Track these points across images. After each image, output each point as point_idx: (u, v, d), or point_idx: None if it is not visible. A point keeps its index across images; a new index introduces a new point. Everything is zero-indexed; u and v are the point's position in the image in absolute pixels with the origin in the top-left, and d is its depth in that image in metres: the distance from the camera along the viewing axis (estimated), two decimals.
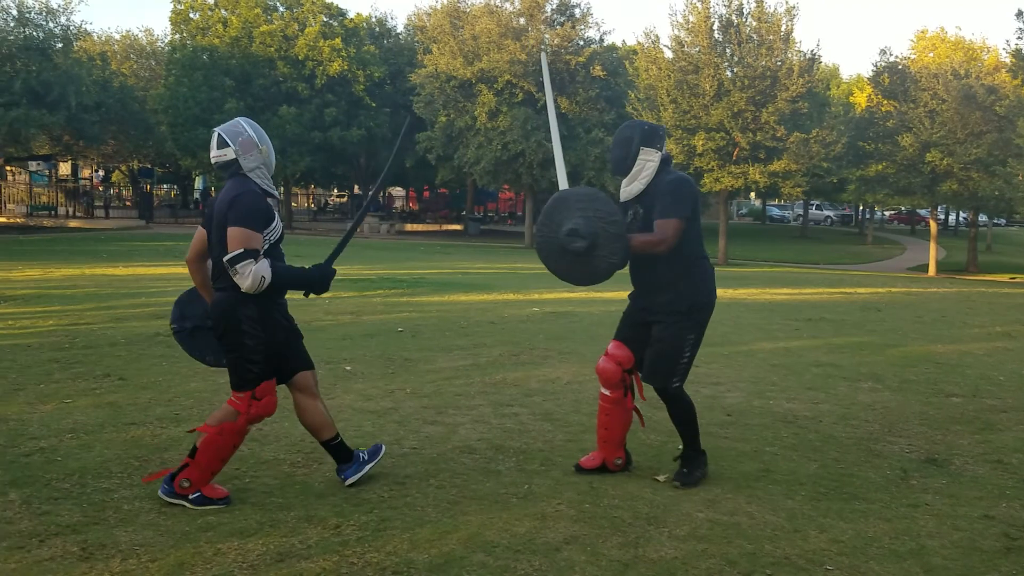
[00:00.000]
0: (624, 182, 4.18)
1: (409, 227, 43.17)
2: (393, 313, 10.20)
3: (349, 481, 4.06)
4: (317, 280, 3.94)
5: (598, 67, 29.26)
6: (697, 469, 4.26)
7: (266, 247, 3.73)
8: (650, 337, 4.18)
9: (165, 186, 55.07)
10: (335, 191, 57.65)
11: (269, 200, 3.80)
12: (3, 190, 40.11)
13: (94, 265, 16.05)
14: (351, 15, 37.96)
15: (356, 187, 50.91)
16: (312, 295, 4.05)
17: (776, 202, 65.35)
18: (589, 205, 4.00)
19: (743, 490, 4.20)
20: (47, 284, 12.39)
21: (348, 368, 6.82)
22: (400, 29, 42.68)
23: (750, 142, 25.40)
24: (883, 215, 62.14)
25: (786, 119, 25.69)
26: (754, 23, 25.79)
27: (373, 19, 41.26)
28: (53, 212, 38.13)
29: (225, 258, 3.63)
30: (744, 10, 26.15)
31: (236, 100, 33.34)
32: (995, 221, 48.24)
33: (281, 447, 4.75)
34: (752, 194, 55.08)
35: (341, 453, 4.12)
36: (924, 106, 27.51)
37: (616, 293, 13.77)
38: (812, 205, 54.59)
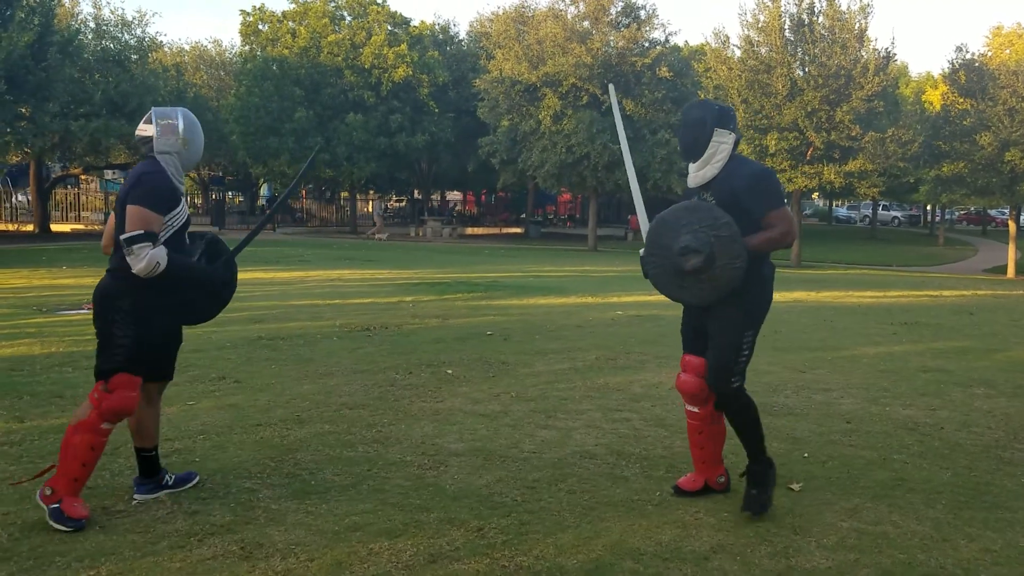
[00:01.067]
0: (695, 166, 3.86)
1: (470, 230, 43.38)
2: (478, 316, 10.27)
3: (137, 498, 3.87)
4: (206, 280, 3.84)
5: (664, 68, 29.05)
6: (769, 487, 3.87)
7: (167, 233, 3.65)
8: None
9: (230, 193, 56.31)
10: (393, 196, 58.21)
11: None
12: (80, 198, 41.41)
13: None
14: (415, 23, 38.38)
15: (416, 192, 51.46)
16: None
17: (840, 203, 64.06)
18: (692, 218, 3.74)
19: (882, 499, 4.12)
20: None
21: (449, 371, 6.89)
22: (463, 36, 43.03)
23: (824, 141, 24.95)
24: (952, 215, 60.43)
25: (861, 118, 25.15)
26: (827, 22, 25.33)
27: (436, 26, 41.66)
28: None
29: (122, 236, 3.53)
30: (816, 8, 25.72)
31: (305, 109, 33.95)
32: None
33: (405, 449, 4.81)
34: (815, 195, 54.03)
35: (150, 467, 3.94)
36: (1003, 104, 26.66)
37: None
38: (879, 206, 53.34)
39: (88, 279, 13.99)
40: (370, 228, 37.25)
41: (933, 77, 50.69)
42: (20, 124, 19.44)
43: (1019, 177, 26.61)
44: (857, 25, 25.31)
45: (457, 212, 51.70)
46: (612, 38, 29.80)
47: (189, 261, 3.76)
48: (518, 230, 43.22)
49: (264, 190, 52.04)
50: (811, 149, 25.66)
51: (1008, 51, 31.27)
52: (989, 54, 30.65)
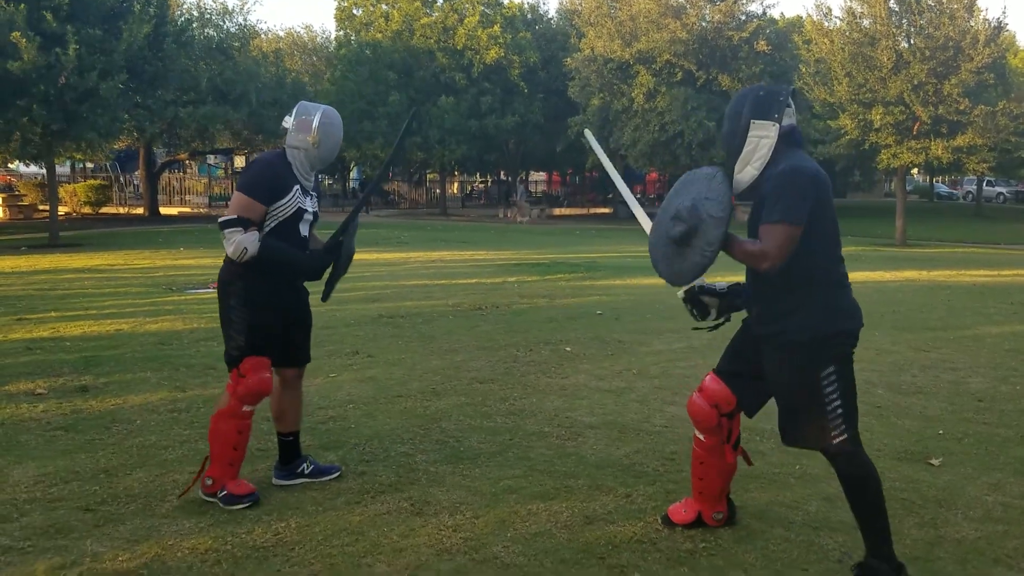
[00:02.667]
0: (736, 167, 3.19)
1: (558, 211, 43.43)
2: (584, 296, 10.42)
3: (277, 482, 3.94)
4: (308, 268, 3.78)
5: (762, 42, 28.44)
6: None
7: (272, 224, 3.65)
8: (757, 374, 3.28)
9: (324, 177, 57.82)
10: (477, 177, 58.62)
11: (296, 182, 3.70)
12: (184, 183, 43.17)
13: None
14: (506, 2, 38.47)
15: (502, 173, 51.79)
16: (322, 297, 3.94)
17: (941, 179, 61.47)
18: (705, 185, 3.15)
19: (1022, 476, 4.14)
20: None
21: (568, 349, 7.08)
22: (552, 14, 42.94)
23: (932, 116, 24.05)
24: None
25: (970, 91, 24.15)
26: None
27: (526, 5, 41.66)
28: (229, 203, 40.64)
29: (220, 219, 3.60)
30: None
31: (399, 92, 34.53)
32: None
33: (540, 421, 5.03)
34: (914, 170, 52.03)
35: (289, 452, 3.99)
36: None
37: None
38: (984, 181, 50.99)
39: (207, 259, 14.73)
40: (511, 211, 37.11)
41: None
42: (138, 111, 20.45)
43: None
44: None
45: (534, 194, 51.67)
46: (708, 12, 29.31)
47: (285, 249, 3.68)
48: (606, 210, 43.02)
49: (354, 173, 53.24)
50: (917, 124, 24.77)
51: None
52: None
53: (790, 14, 43.48)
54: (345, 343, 7.21)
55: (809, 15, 27.84)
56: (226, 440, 3.69)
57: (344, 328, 7.92)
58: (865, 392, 5.74)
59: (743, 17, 29.91)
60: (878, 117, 24.55)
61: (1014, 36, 52.50)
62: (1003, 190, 57.58)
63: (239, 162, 50.33)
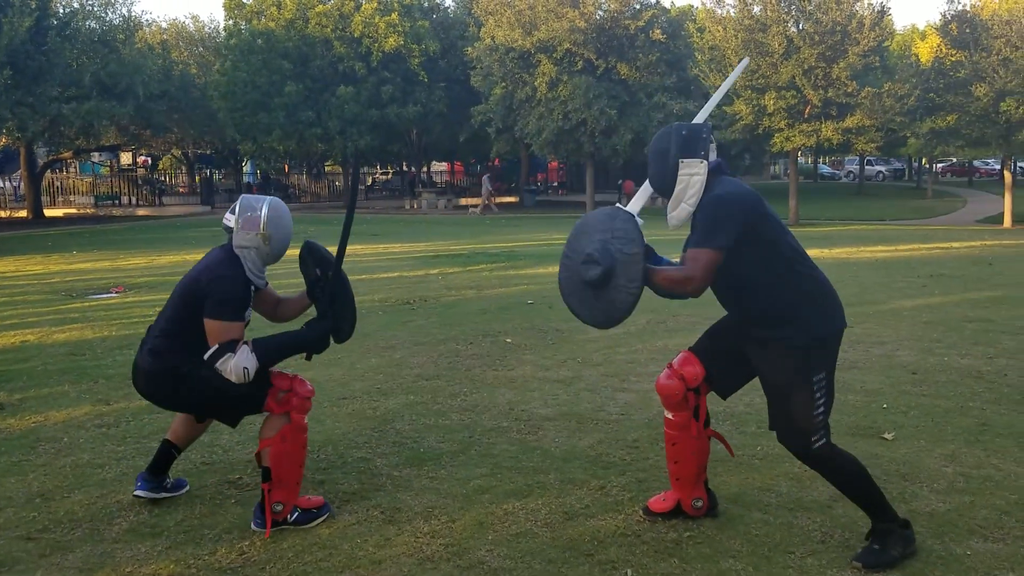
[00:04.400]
0: (669, 207, 3.19)
1: (464, 201, 43.26)
2: (511, 286, 10.35)
3: (139, 495, 3.69)
4: (314, 341, 3.62)
5: (658, 31, 28.92)
6: (893, 546, 3.10)
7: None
8: (735, 359, 3.32)
9: (210, 170, 55.88)
10: (377, 168, 57.78)
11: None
12: (67, 183, 40.98)
13: (190, 252, 16.39)
14: None
15: (404, 164, 51.22)
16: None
17: (823, 160, 64.18)
18: (608, 226, 3.18)
19: (974, 445, 4.28)
20: (160, 271, 12.73)
21: (508, 340, 6.99)
22: (449, 3, 42.59)
23: (822, 99, 24.98)
24: (935, 168, 60.79)
25: (857, 74, 25.19)
26: None
27: None
28: (117, 202, 38.87)
29: (205, 356, 3.36)
30: None
31: (295, 83, 33.63)
32: None
33: (496, 415, 4.92)
34: (800, 153, 54.12)
35: (166, 465, 3.75)
36: (997, 54, 26.74)
37: None
38: (864, 161, 53.51)
39: (103, 263, 13.99)
40: (477, 205, 36.26)
41: (919, 30, 50.77)
42: (21, 109, 19.18)
43: (1015, 127, 26.76)
44: None
45: (438, 184, 51.36)
46: (604, 1, 29.60)
47: (279, 341, 3.53)
48: (513, 199, 43.11)
49: (248, 167, 51.68)
50: (808, 107, 25.70)
51: (997, 1, 31.24)
52: (980, 4, 30.65)
53: (680, 2, 44.37)
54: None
55: (703, 3, 28.45)
56: (293, 459, 3.48)
57: (269, 329, 7.57)
58: None
59: (638, 6, 30.31)
60: (771, 102, 25.33)
61: (891, 21, 55.26)
62: (882, 169, 60.55)
63: (125, 159, 48.21)
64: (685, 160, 3.11)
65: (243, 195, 3.66)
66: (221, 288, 3.39)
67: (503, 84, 30.60)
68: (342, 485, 3.89)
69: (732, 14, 26.50)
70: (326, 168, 50.80)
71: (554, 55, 28.96)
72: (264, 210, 3.47)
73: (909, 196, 44.71)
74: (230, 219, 3.47)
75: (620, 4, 29.28)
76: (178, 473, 4.05)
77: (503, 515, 3.53)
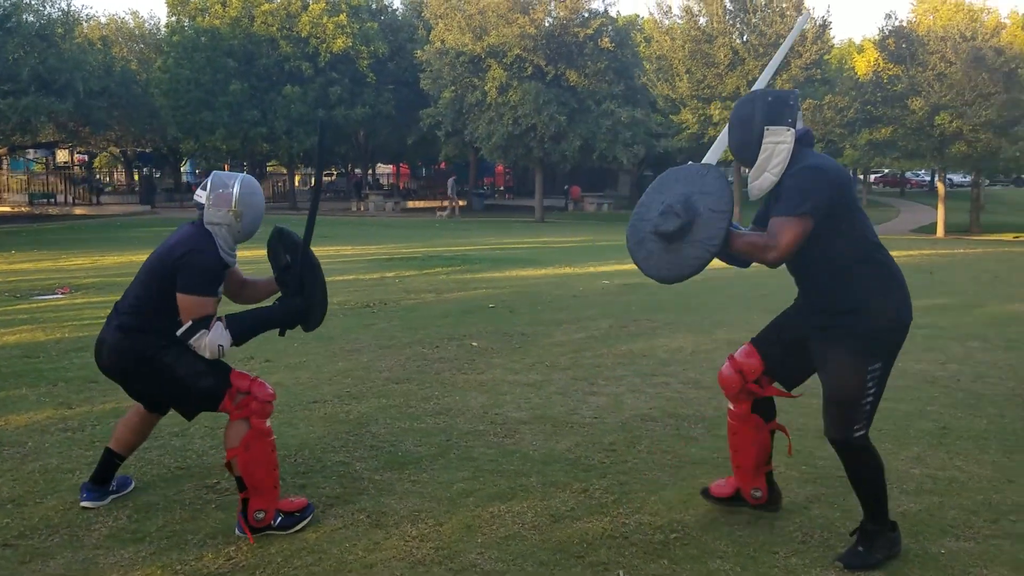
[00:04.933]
0: (751, 175, 3.14)
1: (411, 204, 43.10)
2: (470, 290, 10.36)
3: (86, 505, 3.60)
4: (287, 317, 3.52)
5: (606, 39, 29.26)
6: (878, 550, 3.15)
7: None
8: (795, 351, 3.32)
9: (149, 169, 54.60)
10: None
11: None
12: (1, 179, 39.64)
13: (135, 252, 16.00)
14: None
15: (350, 166, 50.73)
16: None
17: None
18: (696, 181, 3.14)
19: (937, 447, 4.44)
20: (106, 272, 12.41)
21: (475, 344, 7.00)
22: (397, 5, 42.43)
23: None
24: (869, 179, 62.57)
25: (800, 86, 25.87)
26: None
27: None
28: (53, 200, 37.71)
29: (178, 333, 3.32)
30: None
31: (240, 82, 33.14)
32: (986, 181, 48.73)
33: (471, 419, 4.93)
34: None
35: (110, 473, 3.69)
36: (932, 69, 27.75)
37: None
38: None
39: (45, 263, 13.59)
40: (443, 208, 35.82)
41: (855, 44, 52.27)
42: None
43: (948, 140, 27.81)
44: None
45: (384, 187, 51.06)
46: (554, 8, 29.83)
47: (253, 317, 3.47)
48: (461, 203, 43.14)
49: (187, 166, 50.67)
50: None
51: (932, 16, 32.37)
52: (916, 21, 31.74)
53: (627, 12, 44.95)
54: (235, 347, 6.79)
55: (651, 14, 28.93)
56: (265, 464, 3.39)
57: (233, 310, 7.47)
58: None
59: (586, 14, 30.63)
60: (717, 112, 25.87)
61: (831, 35, 56.75)
62: None
63: (62, 156, 46.82)
64: (771, 128, 3.04)
65: (215, 171, 3.60)
66: (194, 262, 3.33)
67: (453, 88, 30.62)
68: (324, 489, 3.85)
69: (679, 23, 26.98)
70: (268, 168, 49.98)
71: (504, 60, 29.10)
72: (236, 187, 3.42)
73: None
74: (201, 195, 3.43)
75: (569, 12, 29.56)
76: (151, 478, 3.99)
77: (489, 518, 3.55)
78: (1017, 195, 54.27)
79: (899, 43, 29.03)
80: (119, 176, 51.43)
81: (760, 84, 3.47)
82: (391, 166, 56.33)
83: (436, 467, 4.15)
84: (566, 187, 42.11)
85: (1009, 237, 28.54)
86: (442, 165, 49.32)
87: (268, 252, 3.67)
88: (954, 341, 7.13)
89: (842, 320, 3.08)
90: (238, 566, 3.14)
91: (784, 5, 25.77)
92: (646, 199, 3.30)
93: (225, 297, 3.66)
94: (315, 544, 3.32)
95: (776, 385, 3.53)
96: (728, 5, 26.36)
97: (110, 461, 3.69)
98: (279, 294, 3.65)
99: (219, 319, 3.36)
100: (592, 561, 3.19)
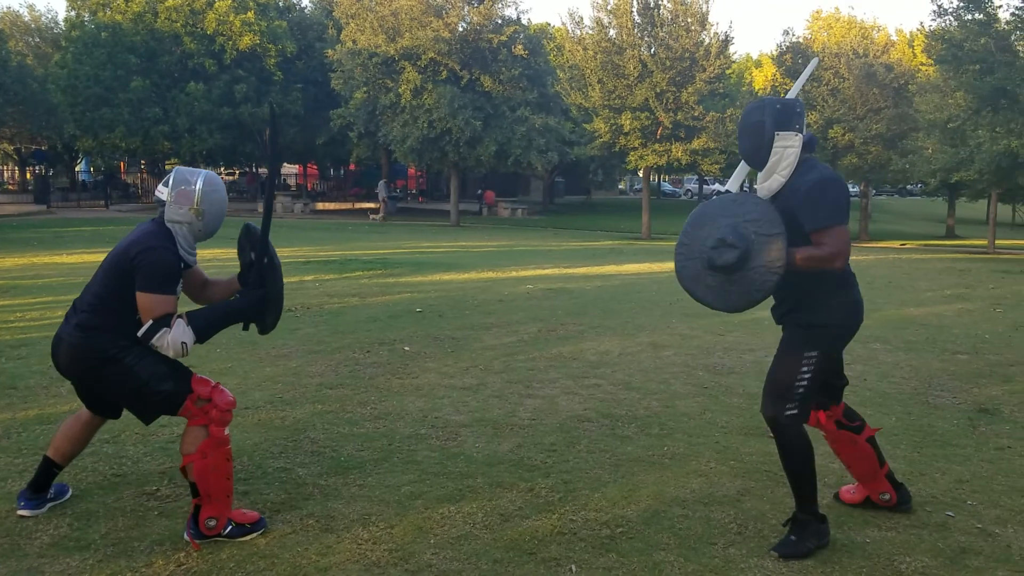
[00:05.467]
0: (760, 177, 3.43)
1: (321, 205, 42.42)
2: (395, 294, 10.34)
3: (24, 514, 3.51)
4: (249, 309, 3.50)
5: (520, 46, 29.52)
6: (808, 539, 3.37)
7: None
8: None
9: (44, 167, 52.12)
10: (222, 169, 55.49)
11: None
12: None
13: (35, 254, 15.30)
14: None
15: (254, 165, 49.54)
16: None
17: (664, 178, 67.38)
18: (733, 210, 3.36)
19: None
20: (8, 275, 11.84)
21: (407, 348, 7.02)
22: (305, 3, 41.76)
23: (672, 121, 26.30)
24: None
25: (704, 99, 26.70)
26: (671, 5, 26.61)
27: None
28: None
29: (139, 333, 3.27)
30: None
31: (142, 78, 32.06)
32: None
33: (411, 423, 4.97)
34: (640, 171, 56.54)
35: (46, 481, 3.59)
36: (827, 84, 29.10)
37: (597, 268, 14.24)
38: (704, 180, 56.60)
39: None
40: (376, 211, 34.84)
41: (752, 59, 54.35)
42: None
43: (840, 152, 29.20)
44: (700, 9, 26.74)
45: (291, 188, 50.12)
46: (467, 12, 29.92)
47: (214, 312, 3.44)
48: (372, 205, 42.72)
49: (82, 165, 48.61)
50: (660, 128, 26.99)
51: (826, 33, 33.90)
52: (811, 37, 33.22)
53: (537, 20, 45.49)
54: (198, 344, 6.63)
55: (563, 23, 29.36)
56: (220, 472, 3.35)
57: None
58: (688, 375, 6.29)
59: (499, 21, 30.85)
60: (627, 122, 26.42)
61: (732, 51, 58.72)
62: (720, 188, 64.07)
63: None
64: (781, 133, 3.32)
65: (177, 167, 3.51)
66: (152, 260, 3.27)
67: (365, 89, 30.32)
68: (268, 495, 3.84)
69: (590, 34, 27.46)
70: (166, 167, 48.28)
71: (419, 63, 29.00)
72: (199, 184, 3.37)
73: None
74: (163, 191, 3.37)
75: (482, 17, 29.69)
76: (88, 486, 3.89)
77: (440, 519, 3.61)
78: (900, 204, 57.36)
79: (796, 59, 30.32)
80: (7, 174, 48.89)
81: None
82: (297, 166, 55.26)
83: (381, 471, 4.18)
84: (479, 191, 42.22)
85: (896, 244, 30.13)
86: (351, 167, 48.75)
87: (237, 248, 3.65)
88: (857, 343, 7.53)
89: (796, 310, 3.44)
90: (190, 572, 3.12)
91: (689, 20, 26.53)
92: (687, 237, 3.48)
93: (185, 296, 3.62)
94: (266, 549, 3.32)
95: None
96: (636, 19, 26.95)
97: (48, 470, 3.61)
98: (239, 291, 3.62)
99: (180, 316, 3.32)
100: (544, 557, 3.30)
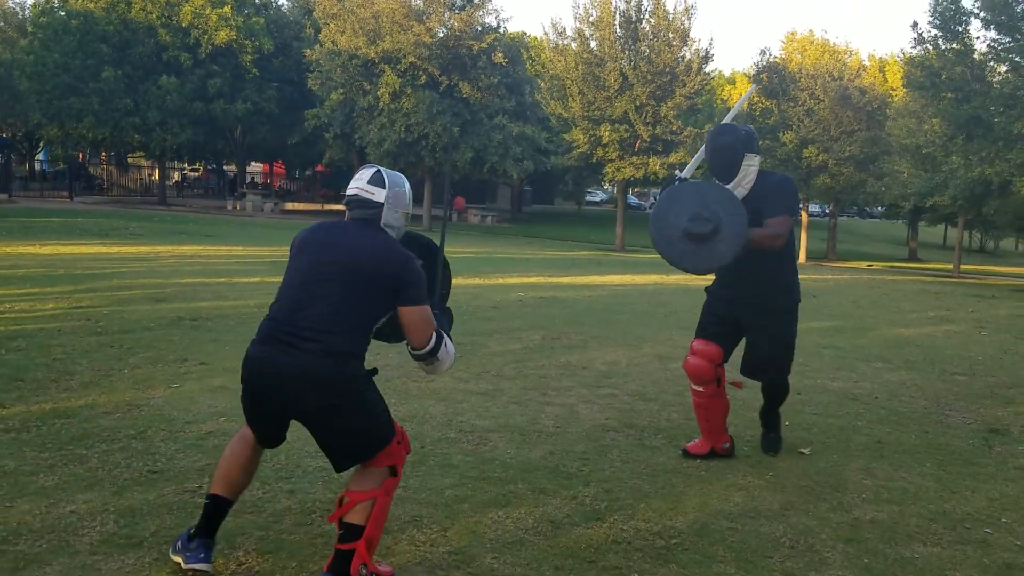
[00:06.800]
0: (728, 187, 4.27)
1: (290, 206, 41.99)
2: None
3: (191, 566, 2.97)
4: (447, 323, 3.40)
5: (499, 54, 29.60)
6: (779, 441, 4.88)
7: (384, 319, 3.08)
8: (731, 331, 4.52)
9: (6, 155, 50.87)
10: (186, 165, 54.62)
11: None
12: None
13: (6, 243, 14.89)
14: None
15: (224, 162, 48.96)
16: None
17: (631, 191, 67.83)
18: (703, 193, 4.13)
19: (880, 460, 4.79)
20: None
21: None
22: (283, 1, 41.40)
23: (650, 135, 26.57)
24: None
25: (682, 114, 27.02)
26: (654, 20, 26.92)
27: None
28: None
29: (423, 350, 3.10)
30: (644, 7, 27.23)
31: (113, 69, 31.47)
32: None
33: (437, 427, 4.92)
34: (606, 184, 56.72)
35: (215, 524, 3.05)
36: (802, 105, 29.62)
37: (582, 278, 14.30)
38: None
39: None
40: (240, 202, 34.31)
41: (725, 76, 55.08)
42: None
43: (815, 171, 29.72)
44: (681, 25, 27.09)
45: (259, 187, 49.60)
46: (448, 18, 29.93)
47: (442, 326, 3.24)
48: (342, 207, 42.40)
49: (41, 154, 47.57)
50: (639, 141, 27.25)
51: (800, 55, 34.54)
52: (787, 58, 33.79)
53: (513, 29, 45.62)
54: (162, 348, 6.51)
55: (545, 34, 29.51)
56: (382, 517, 2.99)
57: (146, 332, 7.14)
58: None
59: (480, 28, 30.92)
60: (606, 133, 26.65)
61: (713, 69, 59.50)
62: (679, 173, 64.75)
63: None
64: (748, 154, 4.23)
65: (377, 166, 3.16)
66: (418, 271, 3.01)
67: (342, 90, 30.14)
68: (313, 494, 3.78)
69: (573, 47, 27.64)
70: (128, 159, 47.36)
71: (398, 67, 28.93)
72: (407, 187, 3.15)
73: None
74: (377, 192, 3.03)
75: (463, 24, 29.73)
76: (125, 482, 3.79)
77: (491, 523, 3.58)
78: (862, 226, 58.53)
79: (772, 78, 30.81)
80: None
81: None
82: (263, 164, 54.64)
83: (420, 474, 4.13)
84: (450, 197, 42.18)
85: (863, 265, 30.77)
86: (320, 168, 48.35)
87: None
88: (860, 361, 7.67)
89: (778, 295, 4.44)
90: (252, 571, 3.05)
91: (671, 35, 26.86)
92: (660, 211, 4.24)
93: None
94: (326, 549, 3.24)
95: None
96: (618, 31, 27.22)
97: (219, 510, 3.07)
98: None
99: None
100: (604, 566, 3.28)
